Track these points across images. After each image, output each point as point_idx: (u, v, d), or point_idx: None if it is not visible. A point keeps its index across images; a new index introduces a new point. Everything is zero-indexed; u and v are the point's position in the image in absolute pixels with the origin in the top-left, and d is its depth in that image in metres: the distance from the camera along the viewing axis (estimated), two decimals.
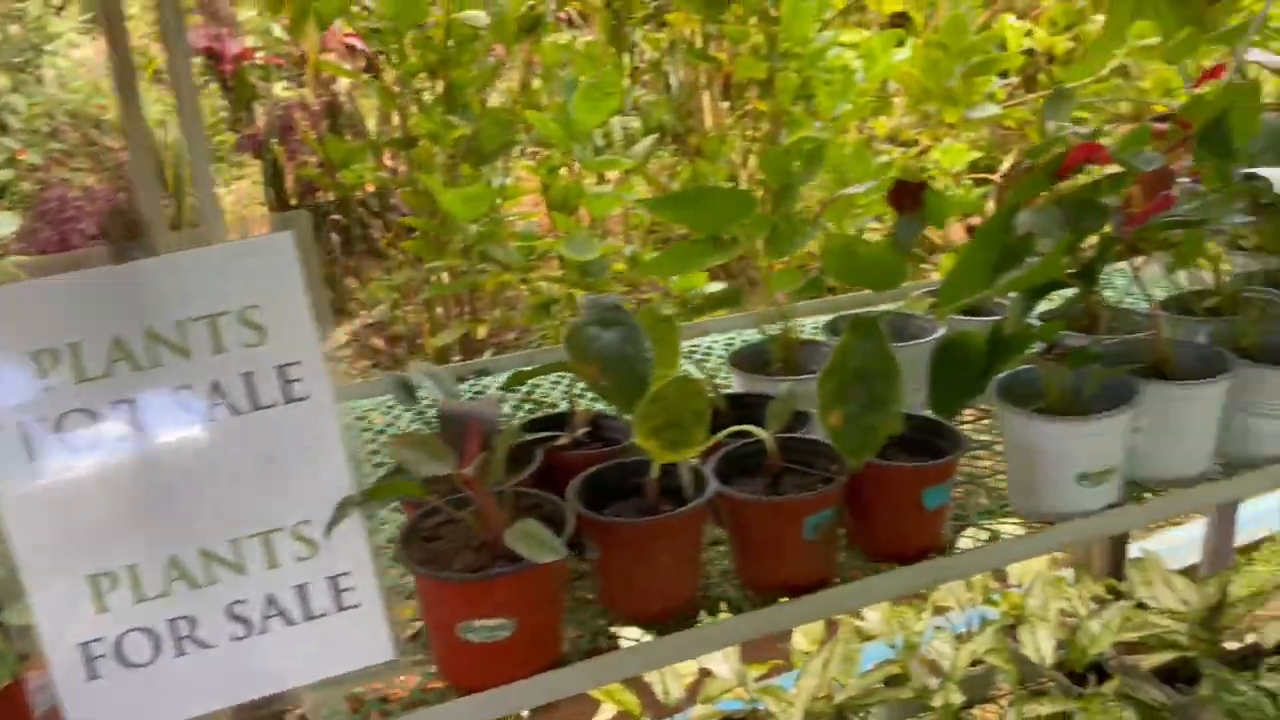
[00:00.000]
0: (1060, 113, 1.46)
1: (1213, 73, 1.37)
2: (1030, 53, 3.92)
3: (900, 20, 4.24)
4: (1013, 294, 1.05)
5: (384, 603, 0.75)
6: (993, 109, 2.67)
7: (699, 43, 3.42)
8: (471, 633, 0.75)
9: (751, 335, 1.43)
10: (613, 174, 2.52)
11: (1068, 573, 1.88)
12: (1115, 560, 1.87)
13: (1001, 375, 1.00)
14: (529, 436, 0.95)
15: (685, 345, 1.49)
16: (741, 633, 0.84)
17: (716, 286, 1.87)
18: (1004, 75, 4.03)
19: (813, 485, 0.89)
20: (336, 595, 0.75)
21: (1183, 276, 1.43)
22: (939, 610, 1.79)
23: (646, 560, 0.83)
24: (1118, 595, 1.78)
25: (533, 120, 2.30)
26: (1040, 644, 1.56)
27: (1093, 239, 1.08)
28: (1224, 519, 1.71)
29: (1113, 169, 1.07)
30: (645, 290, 3.79)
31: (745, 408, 1.03)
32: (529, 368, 0.94)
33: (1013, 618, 1.67)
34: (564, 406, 1.09)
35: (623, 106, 2.87)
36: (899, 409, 0.87)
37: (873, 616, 1.76)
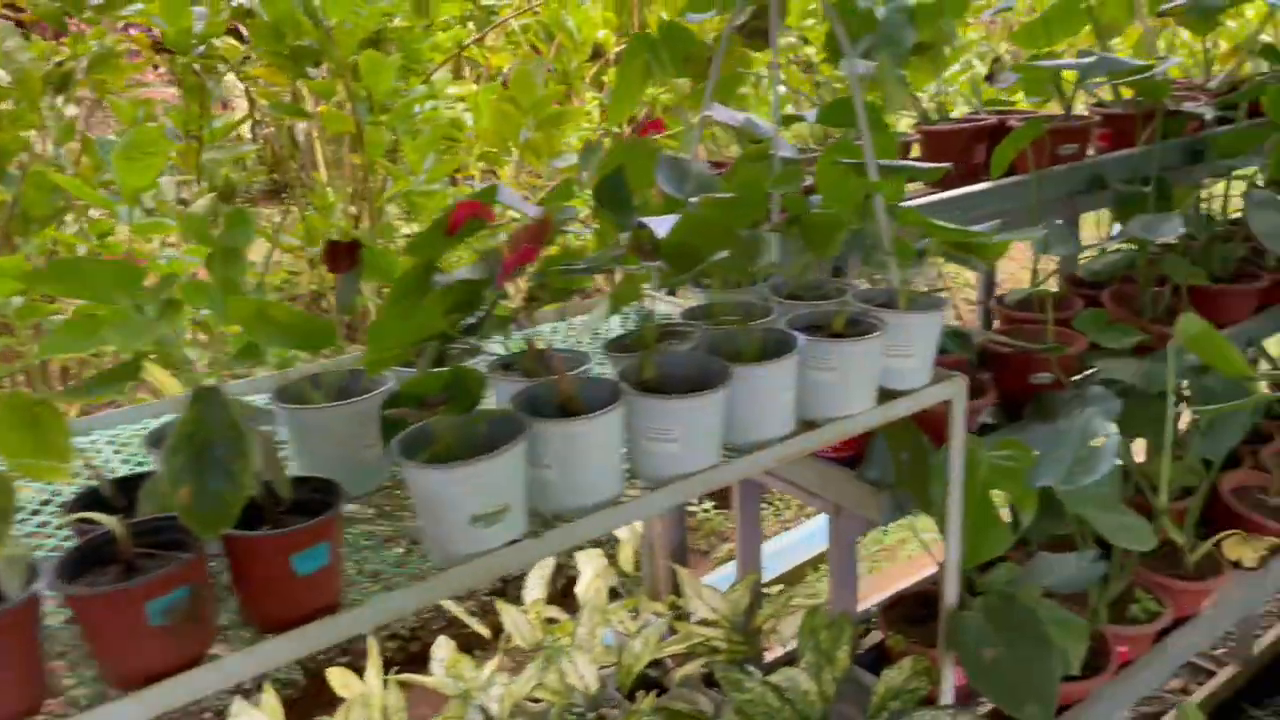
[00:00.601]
0: (591, 163, 1.54)
1: (654, 125, 1.50)
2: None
3: None
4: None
5: None
6: (572, 159, 2.81)
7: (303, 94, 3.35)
8: None
9: None
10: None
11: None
12: (675, 579, 1.99)
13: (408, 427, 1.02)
14: None
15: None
16: None
17: None
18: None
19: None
20: None
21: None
22: (508, 653, 1.81)
23: None
24: (676, 611, 1.89)
25: (63, 184, 2.13)
26: (582, 670, 1.62)
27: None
28: (748, 534, 1.86)
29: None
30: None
31: (136, 490, 0.97)
32: None
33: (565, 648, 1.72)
34: None
35: (196, 166, 2.73)
36: (250, 478, 0.86)
37: (440, 671, 1.74)
